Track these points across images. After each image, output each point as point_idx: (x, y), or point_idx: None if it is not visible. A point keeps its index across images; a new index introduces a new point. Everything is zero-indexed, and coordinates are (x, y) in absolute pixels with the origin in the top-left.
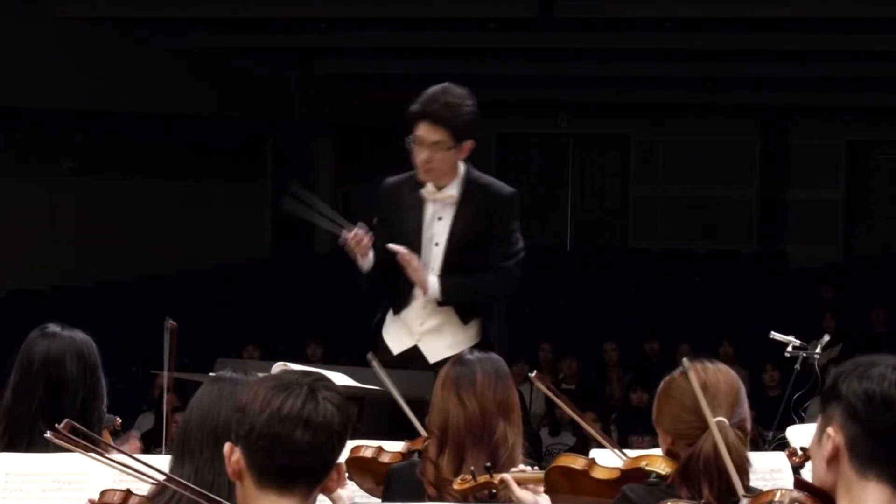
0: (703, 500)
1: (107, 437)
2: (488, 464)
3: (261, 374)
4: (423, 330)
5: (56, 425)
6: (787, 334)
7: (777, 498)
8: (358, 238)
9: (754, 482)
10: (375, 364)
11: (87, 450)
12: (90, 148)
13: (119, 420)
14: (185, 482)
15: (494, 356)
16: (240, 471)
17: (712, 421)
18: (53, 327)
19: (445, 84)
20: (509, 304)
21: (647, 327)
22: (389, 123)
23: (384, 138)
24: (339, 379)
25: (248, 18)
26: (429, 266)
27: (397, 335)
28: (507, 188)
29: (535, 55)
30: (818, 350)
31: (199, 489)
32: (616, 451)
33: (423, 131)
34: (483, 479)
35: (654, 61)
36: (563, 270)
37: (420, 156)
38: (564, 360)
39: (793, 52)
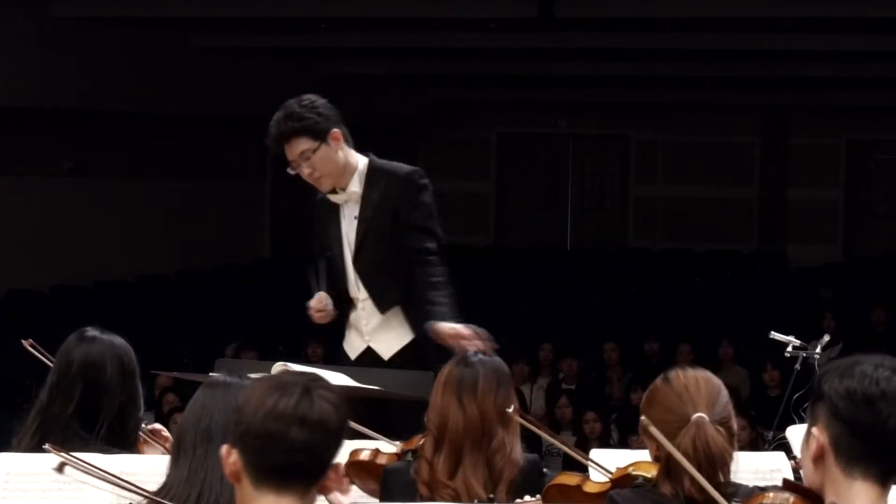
0: (684, 494)
1: (141, 446)
2: (492, 495)
3: (254, 376)
4: (369, 329)
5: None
6: (787, 334)
7: (767, 500)
8: (320, 312)
9: (755, 482)
10: None
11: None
12: (90, 148)
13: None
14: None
15: (497, 359)
16: (237, 472)
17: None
18: (92, 331)
19: (277, 113)
20: (509, 304)
21: (647, 327)
22: (390, 123)
23: (384, 138)
24: (339, 379)
25: (248, 18)
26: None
27: (350, 341)
28: (407, 166)
29: (535, 55)
30: (818, 350)
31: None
32: (598, 468)
33: (288, 153)
34: None
35: (654, 61)
36: (563, 270)
37: (304, 173)
38: (564, 359)
39: (793, 52)
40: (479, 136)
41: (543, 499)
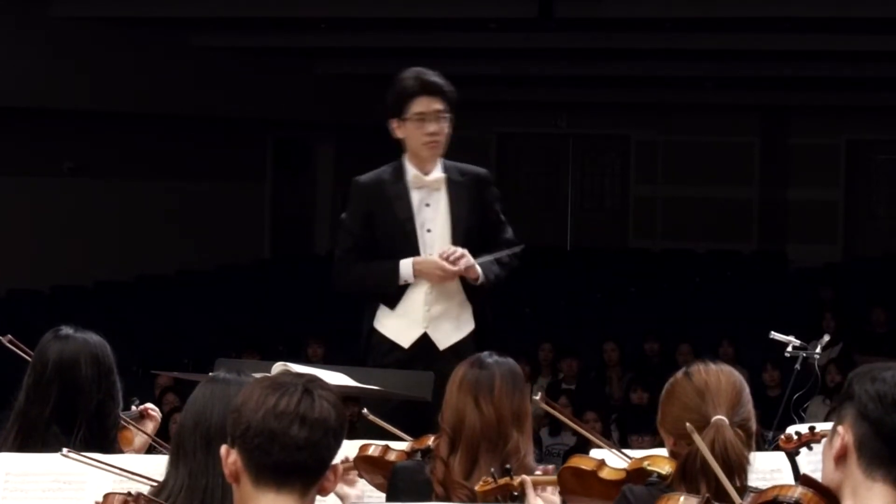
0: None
1: (122, 437)
2: (507, 466)
3: (255, 375)
4: (431, 315)
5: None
6: (787, 334)
7: (781, 493)
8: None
9: (754, 482)
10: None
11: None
12: (90, 148)
13: (141, 407)
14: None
15: (511, 361)
16: (236, 472)
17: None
18: (67, 329)
19: (418, 68)
20: (508, 304)
21: (647, 327)
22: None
23: (384, 138)
24: (339, 379)
25: (248, 18)
26: (426, 253)
27: (400, 329)
28: (481, 168)
29: (535, 55)
30: (818, 350)
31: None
32: (618, 452)
33: (425, 105)
34: (503, 481)
35: (654, 61)
36: (563, 270)
37: (428, 128)
38: (565, 359)
39: (793, 52)
40: (479, 136)
41: (559, 479)
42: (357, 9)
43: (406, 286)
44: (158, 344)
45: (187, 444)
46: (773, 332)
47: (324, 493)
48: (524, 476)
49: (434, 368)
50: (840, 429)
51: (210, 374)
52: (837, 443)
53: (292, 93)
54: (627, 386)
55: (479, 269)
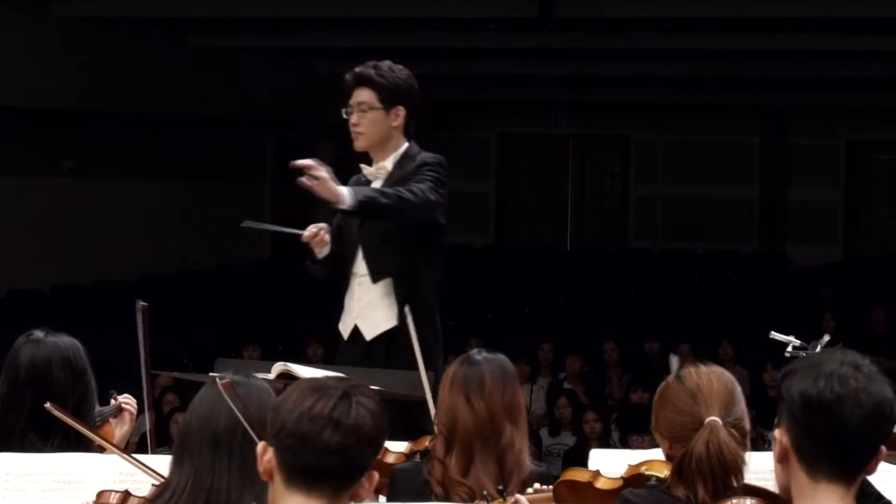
0: (698, 502)
1: (103, 432)
2: (500, 486)
3: (258, 375)
4: (360, 306)
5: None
6: (787, 334)
7: None
8: (316, 237)
9: (755, 482)
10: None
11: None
12: (90, 148)
13: (118, 402)
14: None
15: (501, 356)
16: (271, 469)
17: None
18: (38, 333)
19: (376, 61)
20: (509, 304)
21: (647, 327)
22: None
23: None
24: None
25: (248, 18)
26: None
27: (344, 321)
28: (433, 154)
29: (535, 55)
30: (818, 350)
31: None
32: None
33: (353, 97)
34: (497, 502)
35: (654, 61)
36: (563, 270)
37: (351, 120)
38: (570, 356)
39: (793, 52)
40: (479, 136)
41: (554, 495)
42: (357, 9)
43: (350, 276)
44: (158, 344)
45: (192, 444)
46: (773, 332)
47: (358, 499)
48: (518, 496)
49: (361, 357)
50: (777, 432)
51: (211, 374)
52: (777, 447)
53: (292, 93)
54: (627, 386)
55: (343, 193)
